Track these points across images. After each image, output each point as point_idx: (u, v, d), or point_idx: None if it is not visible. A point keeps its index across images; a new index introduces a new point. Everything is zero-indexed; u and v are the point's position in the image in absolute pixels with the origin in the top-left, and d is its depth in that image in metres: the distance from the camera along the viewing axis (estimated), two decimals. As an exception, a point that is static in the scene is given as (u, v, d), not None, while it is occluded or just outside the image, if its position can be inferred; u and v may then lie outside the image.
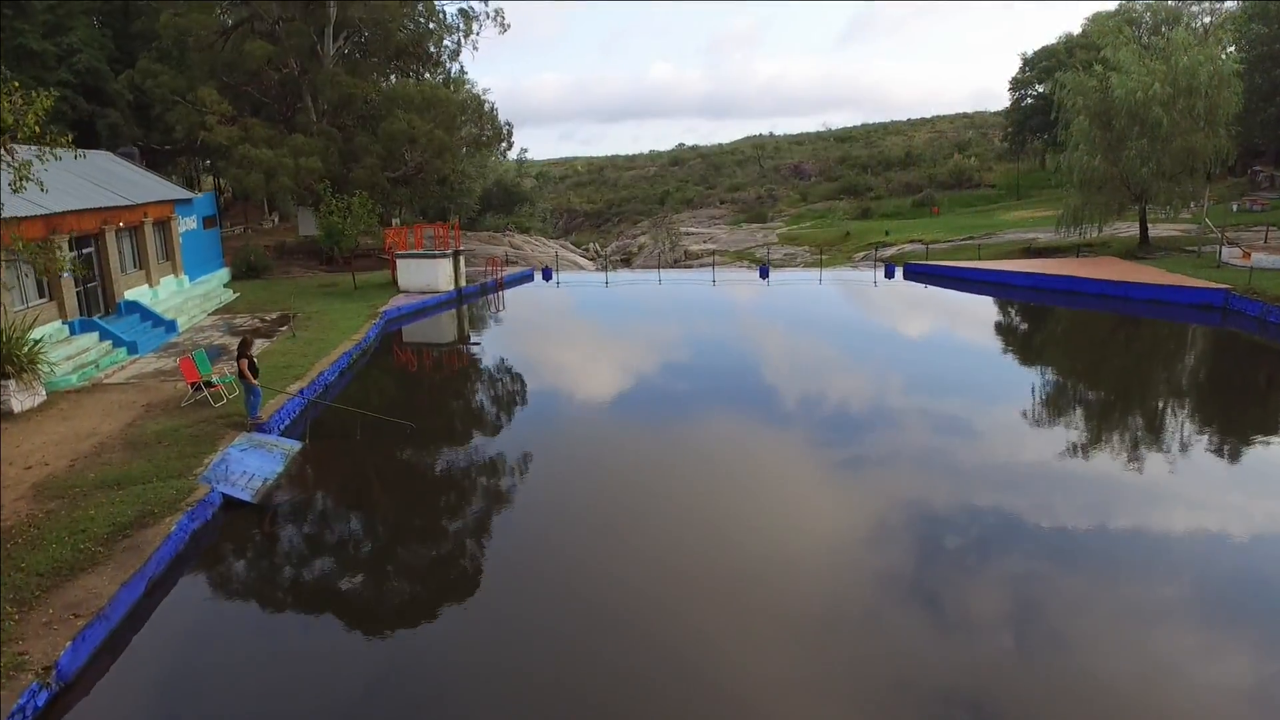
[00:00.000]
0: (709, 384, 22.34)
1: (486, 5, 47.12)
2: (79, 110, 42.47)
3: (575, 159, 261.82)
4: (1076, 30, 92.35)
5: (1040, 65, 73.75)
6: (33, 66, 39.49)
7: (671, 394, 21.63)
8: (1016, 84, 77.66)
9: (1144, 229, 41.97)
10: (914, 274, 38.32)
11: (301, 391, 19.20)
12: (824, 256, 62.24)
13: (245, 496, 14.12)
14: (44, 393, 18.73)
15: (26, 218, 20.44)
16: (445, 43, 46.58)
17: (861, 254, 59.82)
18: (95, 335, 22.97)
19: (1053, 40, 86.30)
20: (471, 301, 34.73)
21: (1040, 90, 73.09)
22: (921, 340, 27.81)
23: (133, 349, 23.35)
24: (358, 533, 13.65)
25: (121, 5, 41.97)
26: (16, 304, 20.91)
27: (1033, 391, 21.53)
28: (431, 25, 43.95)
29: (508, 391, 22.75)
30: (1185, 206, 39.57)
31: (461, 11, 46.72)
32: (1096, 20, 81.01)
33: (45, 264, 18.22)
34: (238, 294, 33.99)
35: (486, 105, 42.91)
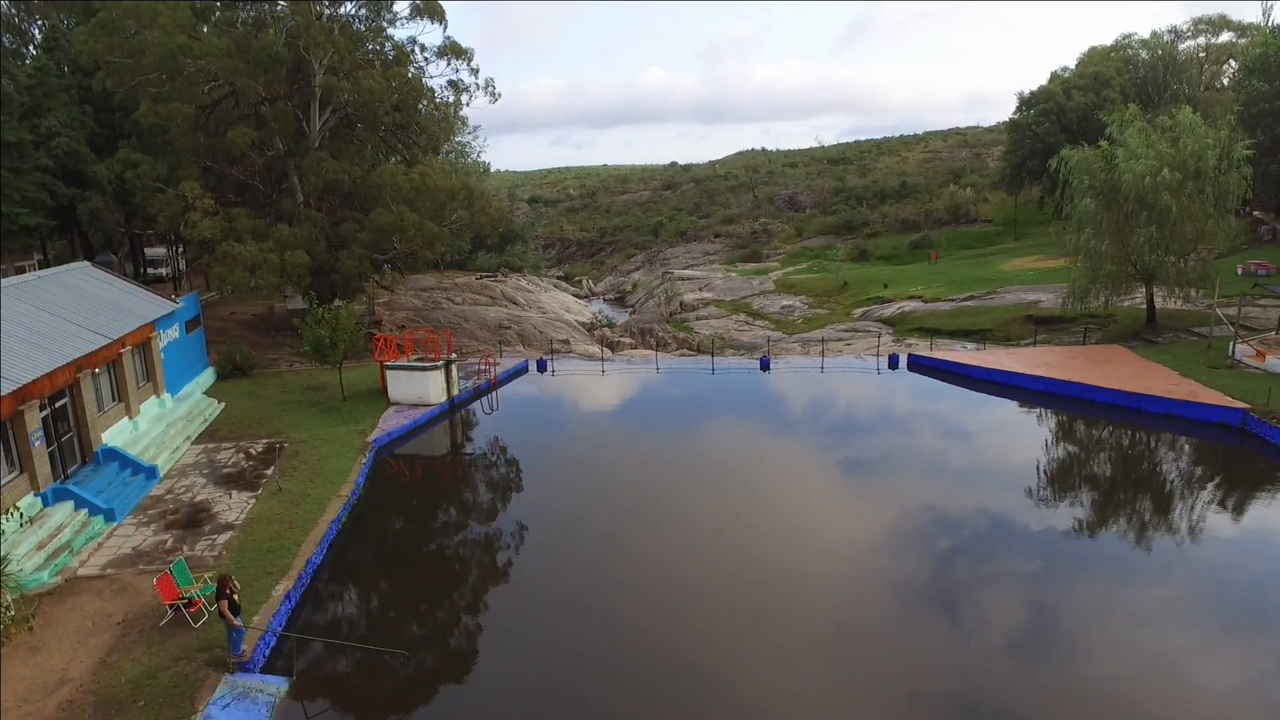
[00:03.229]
0: (714, 524, 21.57)
1: (477, 77, 45.37)
2: (58, 196, 41.27)
3: (567, 169, 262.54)
4: (1072, 62, 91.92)
5: (1039, 107, 73.04)
6: (9, 157, 38.28)
7: (676, 530, 21.02)
8: (1015, 126, 76.94)
9: (1151, 309, 41.20)
10: (918, 366, 37.36)
11: (288, 596, 18.10)
12: (823, 312, 61.53)
13: (226, 790, 13.07)
14: (10, 609, 17.56)
15: (-7, 403, 19.29)
16: (434, 111, 45.40)
17: (860, 310, 59.09)
18: (70, 505, 21.80)
19: (1046, 79, 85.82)
20: (465, 410, 33.66)
21: (1036, 131, 72.42)
22: (934, 459, 26.99)
23: (110, 516, 22.19)
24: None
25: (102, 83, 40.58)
26: (-16, 488, 19.80)
27: (1050, 539, 20.66)
28: (421, 104, 42.79)
29: (510, 554, 21.67)
30: (1194, 290, 38.70)
31: (451, 83, 45.62)
32: (1093, 57, 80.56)
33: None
34: (223, 405, 32.81)
35: (479, 182, 41.80)
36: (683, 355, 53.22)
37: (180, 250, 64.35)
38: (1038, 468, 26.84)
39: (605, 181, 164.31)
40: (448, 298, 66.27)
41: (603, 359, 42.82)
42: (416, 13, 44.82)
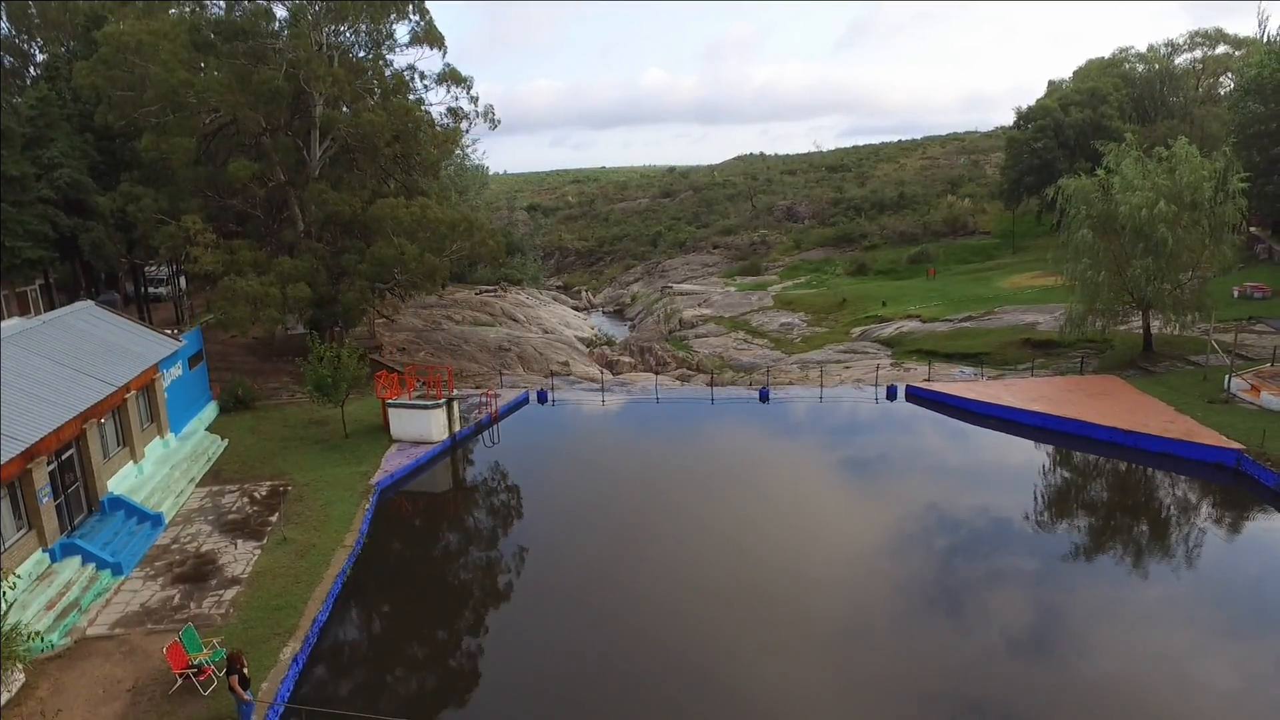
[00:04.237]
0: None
1: (476, 105, 45.70)
2: (60, 226, 41.36)
3: (565, 171, 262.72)
4: (1071, 66, 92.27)
5: (1036, 123, 73.32)
6: (12, 191, 38.42)
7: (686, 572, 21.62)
8: (1012, 143, 77.25)
9: (1148, 337, 41.47)
10: (916, 397, 37.61)
11: (296, 659, 18.36)
12: (822, 330, 61.82)
13: None
14: (21, 675, 17.78)
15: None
16: (434, 140, 45.62)
17: (859, 329, 59.36)
18: (77, 560, 22.05)
19: (1044, 86, 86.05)
20: (467, 446, 33.91)
21: (1034, 147, 72.69)
22: (930, 496, 27.47)
23: (117, 570, 22.41)
24: None
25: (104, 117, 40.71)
26: (-6, 549, 20.02)
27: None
28: (420, 132, 42.97)
29: (518, 601, 21.94)
30: (1191, 319, 38.93)
31: (450, 110, 45.87)
32: (1090, 71, 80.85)
33: None
34: (226, 441, 33.02)
35: (478, 192, 42.11)
36: (682, 375, 53.51)
37: (179, 270, 64.53)
38: (1033, 505, 27.32)
39: (604, 188, 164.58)
40: (447, 315, 66.49)
41: (602, 385, 43.07)
42: (416, 40, 45.00)
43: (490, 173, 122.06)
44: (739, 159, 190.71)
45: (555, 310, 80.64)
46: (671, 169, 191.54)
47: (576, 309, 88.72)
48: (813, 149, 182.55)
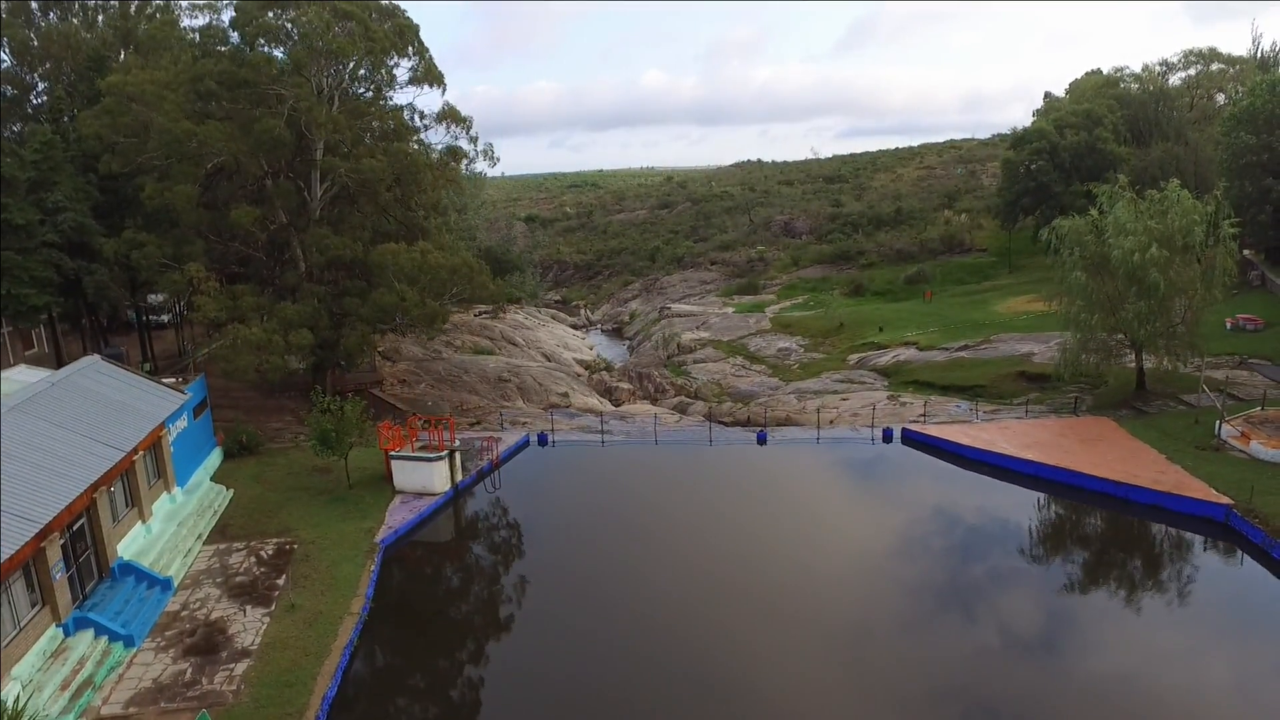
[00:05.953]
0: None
1: (475, 145, 46.21)
2: (64, 269, 41.75)
3: (564, 175, 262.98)
4: (1069, 72, 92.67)
5: (1031, 145, 73.84)
6: (16, 239, 38.81)
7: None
8: (1008, 164, 77.83)
9: (1141, 376, 41.97)
10: (911, 440, 38.11)
11: (305, 744, 18.84)
12: (819, 356, 62.36)
13: None
14: (40, 764, 18.25)
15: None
16: (434, 182, 46.06)
17: (856, 356, 59.85)
18: (90, 634, 22.47)
19: (1040, 96, 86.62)
20: (471, 494, 34.40)
21: (1033, 169, 73.20)
22: (920, 546, 28.29)
23: (129, 642, 22.84)
24: None
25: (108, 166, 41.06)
26: (8, 629, 20.44)
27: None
28: (420, 176, 43.40)
29: (524, 660, 22.45)
30: (1183, 360, 39.47)
31: (450, 149, 46.29)
32: (1085, 90, 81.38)
33: None
34: (231, 491, 33.45)
35: (478, 227, 42.53)
36: (680, 404, 54.11)
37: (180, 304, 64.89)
38: (1021, 556, 28.02)
39: (601, 198, 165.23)
40: (448, 341, 66.93)
41: (601, 420, 43.53)
42: (415, 79, 45.40)
43: (488, 176, 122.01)
44: (737, 166, 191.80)
45: (554, 331, 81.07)
46: (669, 177, 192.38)
47: (575, 327, 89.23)
48: (810, 155, 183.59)
